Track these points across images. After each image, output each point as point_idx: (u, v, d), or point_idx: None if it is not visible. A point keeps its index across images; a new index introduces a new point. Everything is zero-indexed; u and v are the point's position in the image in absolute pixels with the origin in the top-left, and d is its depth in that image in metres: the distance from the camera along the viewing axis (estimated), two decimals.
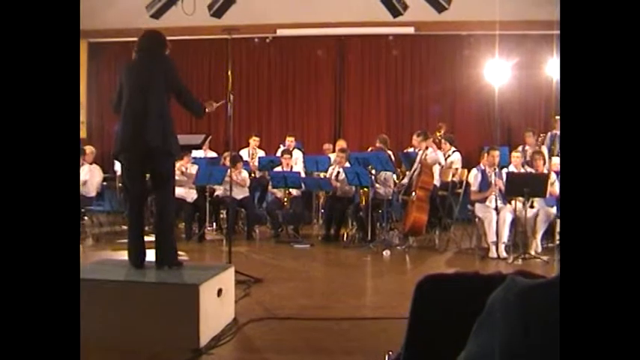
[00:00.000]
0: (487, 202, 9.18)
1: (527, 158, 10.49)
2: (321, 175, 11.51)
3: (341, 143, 12.06)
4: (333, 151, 12.57)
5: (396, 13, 12.25)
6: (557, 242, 9.00)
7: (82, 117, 15.67)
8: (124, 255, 5.83)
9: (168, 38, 5.81)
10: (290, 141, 12.76)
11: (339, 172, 10.63)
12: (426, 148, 10.06)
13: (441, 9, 12.17)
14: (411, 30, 14.26)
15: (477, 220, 9.36)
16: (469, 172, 9.95)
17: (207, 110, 5.94)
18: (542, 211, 8.93)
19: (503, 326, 1.34)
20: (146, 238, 5.53)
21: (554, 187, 9.03)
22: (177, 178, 7.10)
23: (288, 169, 11.25)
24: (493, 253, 8.83)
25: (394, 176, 10.64)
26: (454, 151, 11.17)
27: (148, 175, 5.60)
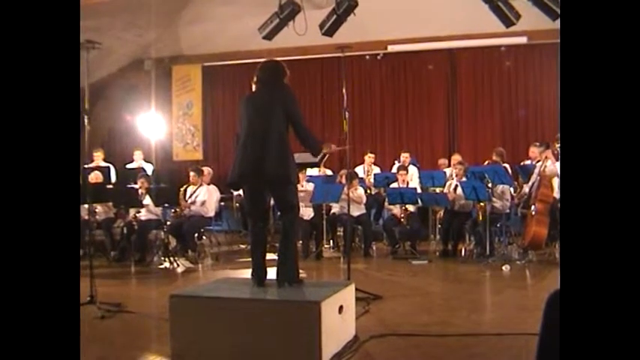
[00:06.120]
0: None
1: None
2: (437, 190, 11.42)
3: (457, 157, 11.95)
4: (449, 166, 12.48)
5: (508, 23, 11.98)
6: None
7: (198, 139, 16.21)
8: (243, 273, 5.96)
9: (281, 59, 5.85)
10: (405, 157, 12.77)
11: (456, 186, 10.52)
12: (545, 159, 9.80)
13: (555, 16, 11.80)
14: (523, 39, 13.97)
15: None
16: None
17: (324, 151, 5.82)
18: None
19: None
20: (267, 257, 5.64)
21: None
22: None
23: (404, 185, 11.24)
24: None
25: (511, 189, 10.45)
26: None
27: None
